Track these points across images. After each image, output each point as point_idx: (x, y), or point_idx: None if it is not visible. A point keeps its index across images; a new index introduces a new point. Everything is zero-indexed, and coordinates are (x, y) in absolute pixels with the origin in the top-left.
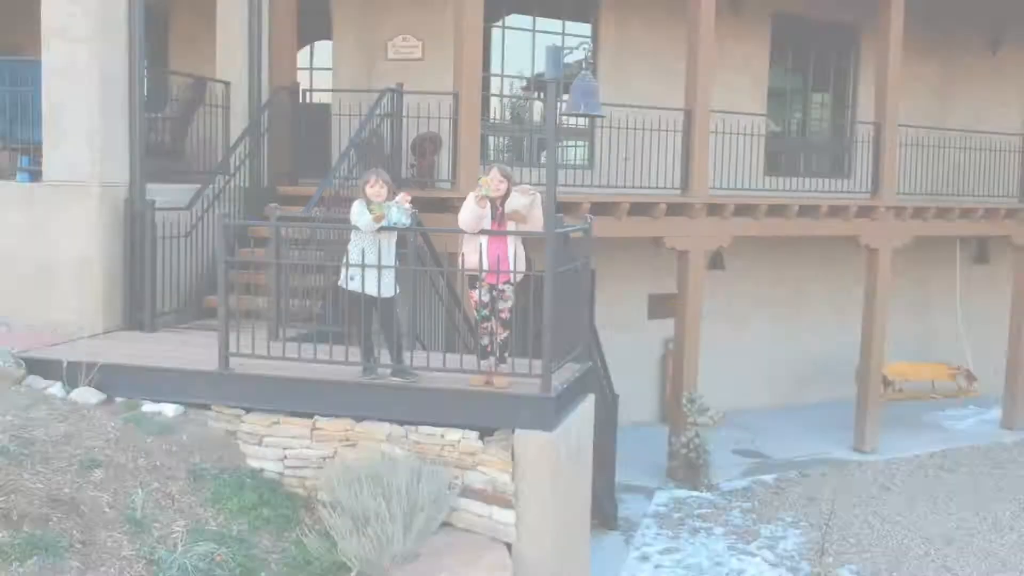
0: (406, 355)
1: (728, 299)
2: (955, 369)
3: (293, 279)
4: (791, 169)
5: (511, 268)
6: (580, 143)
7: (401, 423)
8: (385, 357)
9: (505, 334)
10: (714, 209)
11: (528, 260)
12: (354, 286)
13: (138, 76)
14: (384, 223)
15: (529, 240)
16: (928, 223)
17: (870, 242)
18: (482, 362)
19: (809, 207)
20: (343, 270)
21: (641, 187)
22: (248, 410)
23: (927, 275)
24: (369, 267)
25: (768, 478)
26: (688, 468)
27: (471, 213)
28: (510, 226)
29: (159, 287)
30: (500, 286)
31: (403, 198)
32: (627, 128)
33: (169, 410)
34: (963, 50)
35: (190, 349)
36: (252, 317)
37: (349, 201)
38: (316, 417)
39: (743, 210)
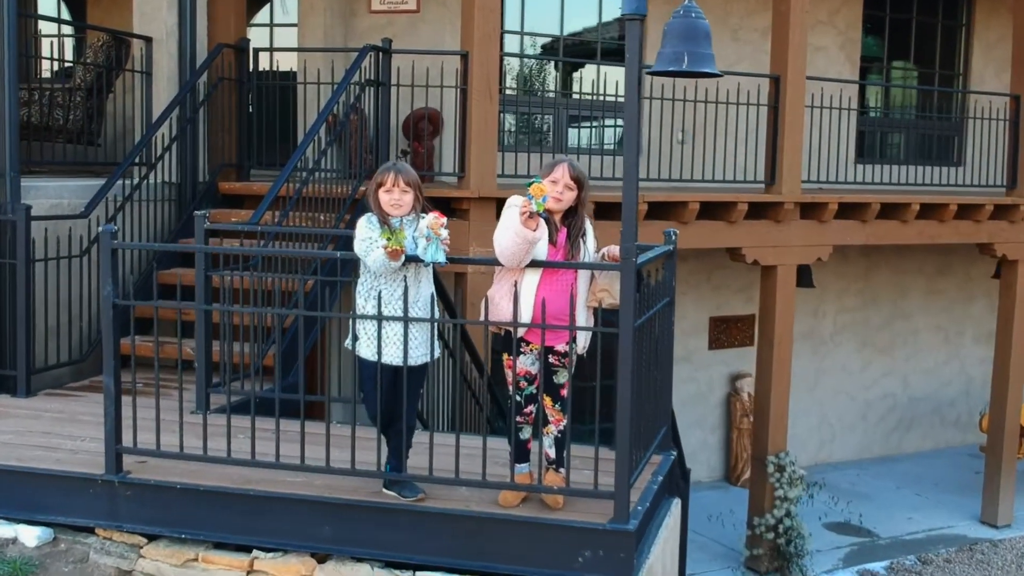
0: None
1: (809, 322)
2: None
3: (239, 314)
4: (885, 155)
5: (578, 321)
6: (615, 121)
7: (390, 565)
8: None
9: (562, 424)
10: (809, 210)
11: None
12: (367, 353)
13: (7, 29)
14: (409, 248)
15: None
16: None
17: (1008, 252)
18: (520, 466)
19: (931, 206)
20: (350, 327)
21: (704, 180)
22: (152, 538)
23: None
24: (390, 320)
25: (879, 567)
26: (776, 558)
27: (516, 236)
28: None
29: (40, 330)
30: (560, 347)
31: (435, 222)
32: (685, 100)
33: (30, 536)
34: None
35: (78, 427)
36: (185, 370)
37: (319, 203)
38: (256, 553)
39: (845, 210)
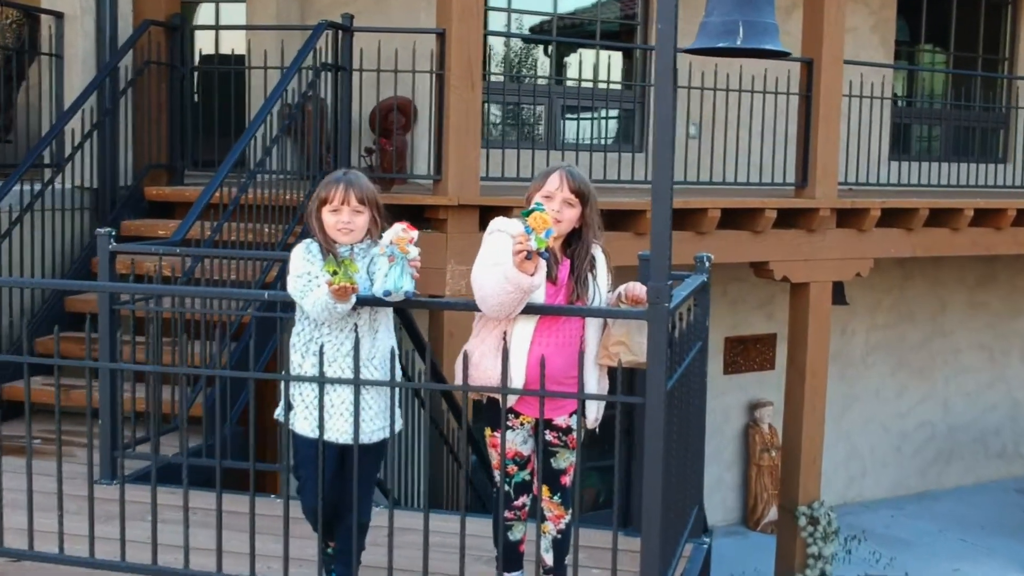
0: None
1: (836, 341)
2: None
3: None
4: (920, 151)
5: (587, 386)
6: (611, 111)
7: None
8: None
9: (564, 521)
10: (847, 217)
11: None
12: (304, 428)
13: None
14: (363, 288)
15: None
16: None
17: None
18: (510, 575)
19: (987, 212)
20: (281, 393)
21: (722, 184)
22: None
23: None
24: (337, 383)
25: None
26: None
27: (506, 283)
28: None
29: None
30: (561, 421)
31: (403, 235)
32: (703, 88)
33: None
34: None
35: None
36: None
37: (264, 212)
38: None
39: (888, 218)
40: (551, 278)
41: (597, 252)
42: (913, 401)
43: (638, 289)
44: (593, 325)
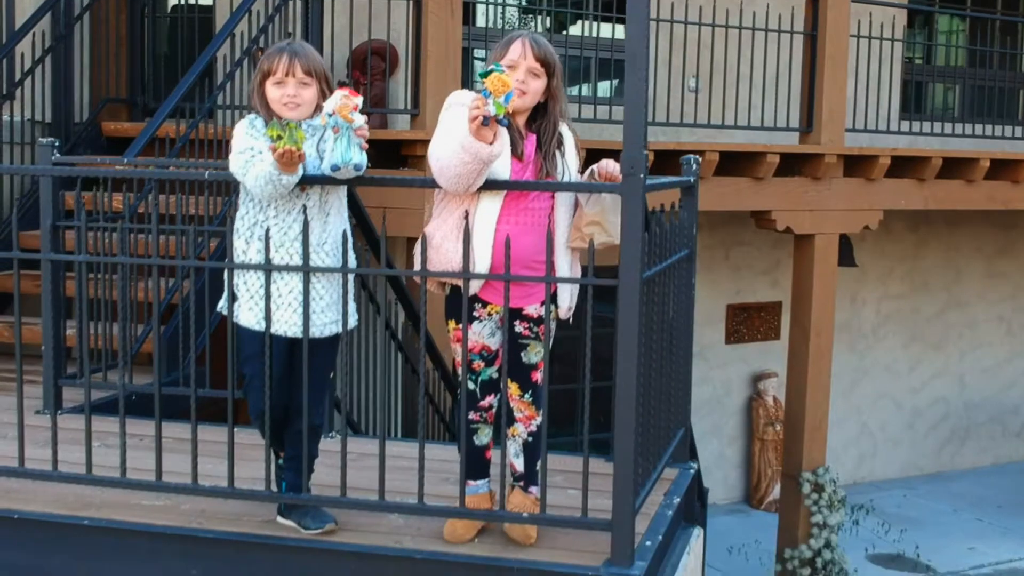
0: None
1: (846, 310)
2: None
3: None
4: (935, 111)
5: (558, 269)
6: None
7: None
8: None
9: (535, 422)
10: (855, 165)
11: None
12: (248, 319)
13: None
14: (312, 167)
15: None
16: None
17: None
18: (475, 484)
19: (1004, 163)
20: (225, 282)
21: (723, 126)
22: None
23: None
24: (284, 271)
25: None
26: None
27: (462, 152)
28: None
29: None
30: (531, 310)
31: (346, 102)
32: (700, 24)
33: None
34: None
35: None
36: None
37: (223, 147)
38: None
39: (899, 167)
40: (516, 154)
41: (564, 129)
42: (927, 376)
43: (611, 166)
44: (564, 206)
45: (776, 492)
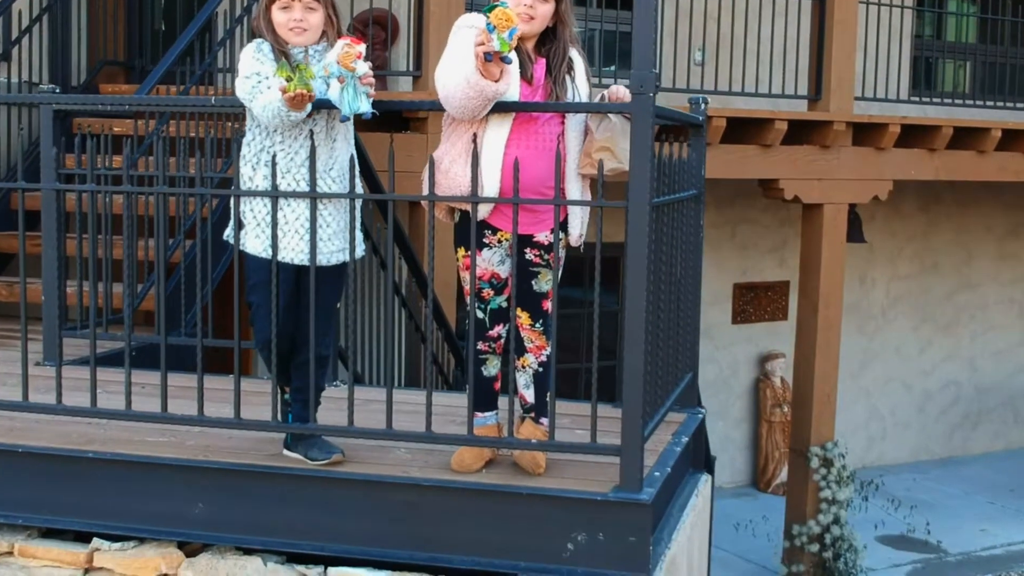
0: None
1: (855, 291)
2: None
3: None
4: (946, 87)
5: (568, 195)
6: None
7: (293, 559)
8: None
9: (545, 352)
10: (864, 133)
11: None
12: (255, 247)
13: None
14: (319, 92)
15: None
16: None
17: None
18: (483, 416)
19: (1017, 134)
20: (232, 209)
21: (730, 92)
22: None
23: None
24: (290, 197)
25: None
26: (821, 574)
27: (467, 87)
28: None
29: None
30: (542, 236)
31: (348, 51)
32: None
33: None
34: None
35: None
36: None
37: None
38: (99, 542)
39: (909, 136)
40: (526, 77)
41: (574, 54)
42: (937, 359)
43: (622, 91)
44: (574, 131)
45: (783, 475)
